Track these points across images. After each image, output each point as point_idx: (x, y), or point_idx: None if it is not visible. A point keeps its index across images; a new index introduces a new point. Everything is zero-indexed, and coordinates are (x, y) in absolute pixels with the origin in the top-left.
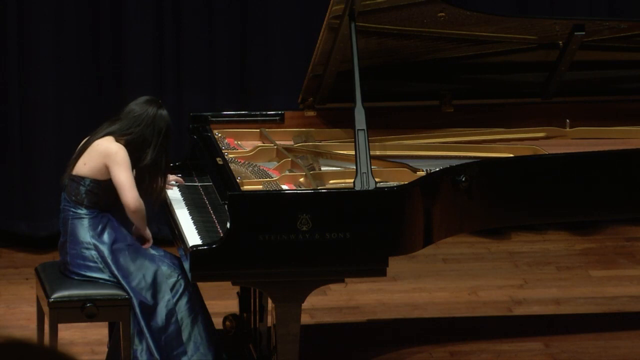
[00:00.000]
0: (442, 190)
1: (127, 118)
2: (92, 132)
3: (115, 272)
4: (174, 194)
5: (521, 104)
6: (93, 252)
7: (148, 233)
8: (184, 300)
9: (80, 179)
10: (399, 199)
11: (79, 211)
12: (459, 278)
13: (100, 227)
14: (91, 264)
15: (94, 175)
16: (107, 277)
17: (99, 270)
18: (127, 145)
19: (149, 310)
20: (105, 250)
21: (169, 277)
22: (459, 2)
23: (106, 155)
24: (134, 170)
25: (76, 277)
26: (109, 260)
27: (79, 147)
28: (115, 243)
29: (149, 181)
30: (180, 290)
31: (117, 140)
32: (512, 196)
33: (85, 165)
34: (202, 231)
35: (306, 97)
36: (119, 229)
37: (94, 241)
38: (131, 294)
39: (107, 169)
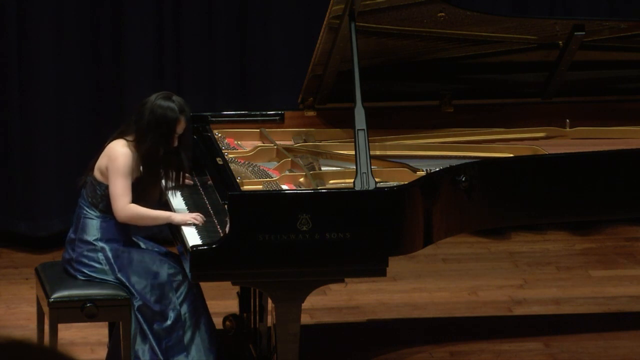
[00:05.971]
0: (442, 190)
1: (136, 113)
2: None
3: (120, 276)
4: (174, 194)
5: (521, 104)
6: (100, 254)
7: (177, 218)
8: (187, 302)
9: (98, 182)
10: (399, 199)
11: (93, 212)
12: (459, 278)
13: (110, 230)
14: (96, 265)
15: (108, 181)
16: (111, 279)
17: (104, 272)
18: (135, 141)
19: (154, 313)
20: (111, 253)
21: (174, 279)
22: (459, 2)
23: (109, 158)
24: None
25: (79, 276)
26: (114, 264)
27: (104, 145)
28: (122, 247)
29: (148, 174)
30: (184, 292)
31: (127, 141)
32: (512, 196)
33: (98, 170)
34: (202, 231)
35: (306, 97)
36: (128, 234)
37: (101, 244)
38: (136, 296)
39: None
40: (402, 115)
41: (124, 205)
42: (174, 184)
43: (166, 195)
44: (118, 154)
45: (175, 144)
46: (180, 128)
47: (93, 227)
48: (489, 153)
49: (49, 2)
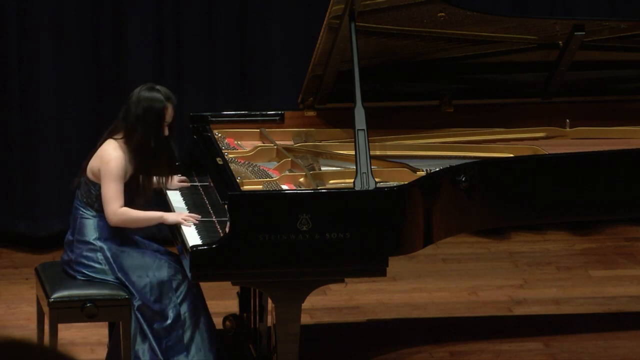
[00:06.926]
0: (442, 190)
1: (123, 109)
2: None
3: (119, 275)
4: (174, 194)
5: (521, 104)
6: (99, 254)
7: (170, 218)
8: (187, 302)
9: (92, 183)
10: (399, 199)
11: (89, 212)
12: (459, 278)
13: (107, 230)
14: (96, 265)
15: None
16: (110, 279)
17: (103, 272)
18: (125, 136)
19: (153, 313)
20: (110, 253)
21: (174, 278)
22: (458, 2)
23: (101, 161)
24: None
25: (79, 276)
26: (113, 264)
27: (96, 146)
28: (120, 246)
29: (141, 168)
30: (184, 292)
31: (117, 141)
32: (512, 196)
33: (90, 171)
34: (202, 231)
35: (306, 97)
36: (126, 233)
37: (100, 243)
38: (136, 296)
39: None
40: (402, 115)
41: (115, 210)
42: (165, 177)
43: (163, 186)
44: (110, 158)
45: (167, 133)
46: (169, 116)
47: (90, 227)
48: (489, 153)
49: (49, 2)
